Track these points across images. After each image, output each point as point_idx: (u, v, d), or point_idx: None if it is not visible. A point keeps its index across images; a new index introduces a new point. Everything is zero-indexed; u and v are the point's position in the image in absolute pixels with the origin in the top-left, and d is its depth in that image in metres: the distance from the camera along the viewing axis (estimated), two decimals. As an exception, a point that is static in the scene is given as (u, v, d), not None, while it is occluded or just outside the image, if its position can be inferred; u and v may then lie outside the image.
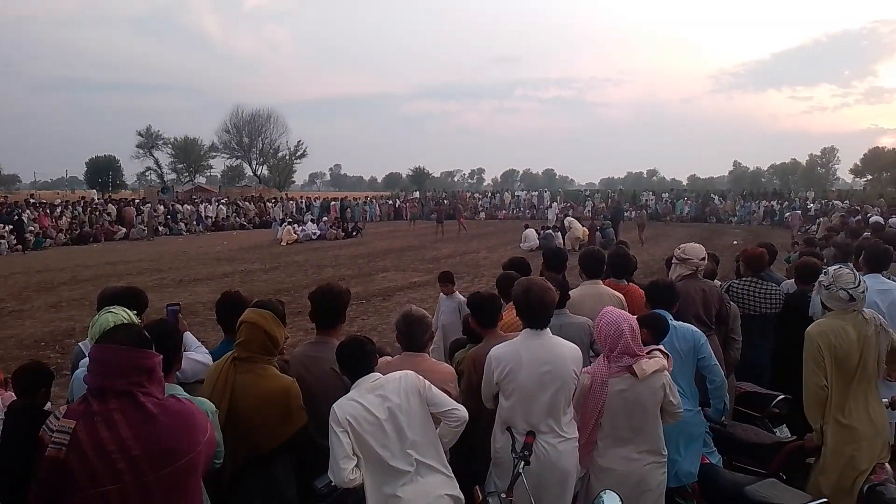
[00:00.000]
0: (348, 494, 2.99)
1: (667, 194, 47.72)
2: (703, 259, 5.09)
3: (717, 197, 45.45)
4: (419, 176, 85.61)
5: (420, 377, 3.18)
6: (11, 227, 24.34)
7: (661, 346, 3.76)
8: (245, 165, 72.61)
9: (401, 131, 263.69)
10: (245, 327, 3.22)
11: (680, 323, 4.20)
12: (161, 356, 2.35)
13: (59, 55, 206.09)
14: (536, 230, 23.84)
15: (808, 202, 40.24)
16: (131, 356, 2.22)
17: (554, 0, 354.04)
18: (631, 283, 5.22)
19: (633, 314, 3.93)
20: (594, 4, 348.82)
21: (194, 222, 33.52)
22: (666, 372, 3.59)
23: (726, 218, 39.46)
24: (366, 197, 50.61)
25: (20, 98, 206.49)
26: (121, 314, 3.02)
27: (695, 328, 4.21)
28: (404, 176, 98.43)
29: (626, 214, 31.35)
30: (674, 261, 5.20)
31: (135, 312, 3.35)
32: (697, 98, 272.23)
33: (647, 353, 3.58)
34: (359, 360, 3.17)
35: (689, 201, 43.69)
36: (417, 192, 54.02)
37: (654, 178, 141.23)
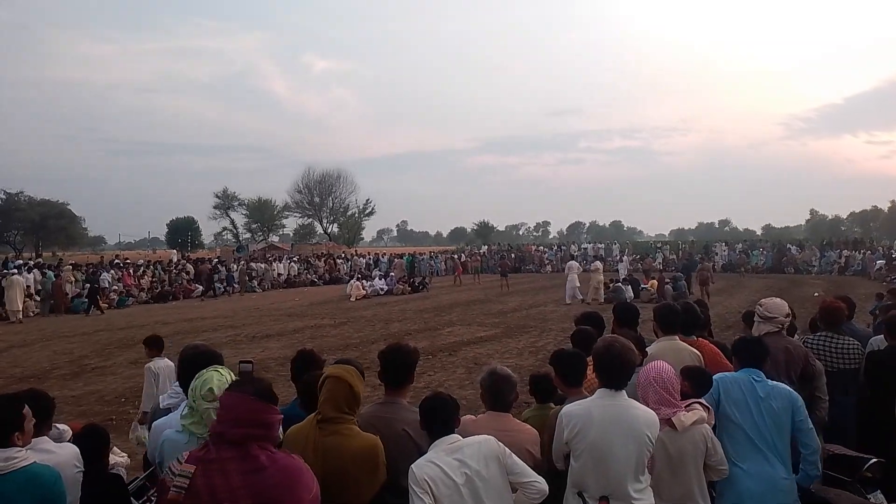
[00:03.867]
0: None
1: (740, 245, 46.22)
2: (788, 316, 4.87)
3: (793, 246, 43.69)
4: (484, 229, 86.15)
5: (500, 444, 3.12)
6: (97, 286, 25.66)
7: (701, 400, 3.69)
8: (316, 223, 74.92)
9: (465, 186, 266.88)
10: (330, 382, 3.18)
11: (775, 382, 3.98)
12: (282, 416, 2.47)
13: (139, 121, 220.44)
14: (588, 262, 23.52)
15: (891, 251, 38.17)
16: (255, 408, 2.34)
17: (613, 51, 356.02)
18: (700, 339, 5.02)
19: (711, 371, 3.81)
20: (654, 54, 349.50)
21: (268, 280, 34.51)
22: (706, 425, 3.53)
23: (804, 268, 37.80)
24: (431, 252, 51.06)
25: (104, 162, 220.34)
26: (224, 372, 3.10)
27: (790, 388, 3.99)
28: (469, 230, 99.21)
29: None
30: (756, 318, 4.97)
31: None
32: (767, 144, 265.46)
33: (687, 405, 3.54)
34: (441, 418, 3.14)
35: (764, 251, 42.19)
36: (486, 247, 54.13)
37: (727, 227, 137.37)
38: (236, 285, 31.77)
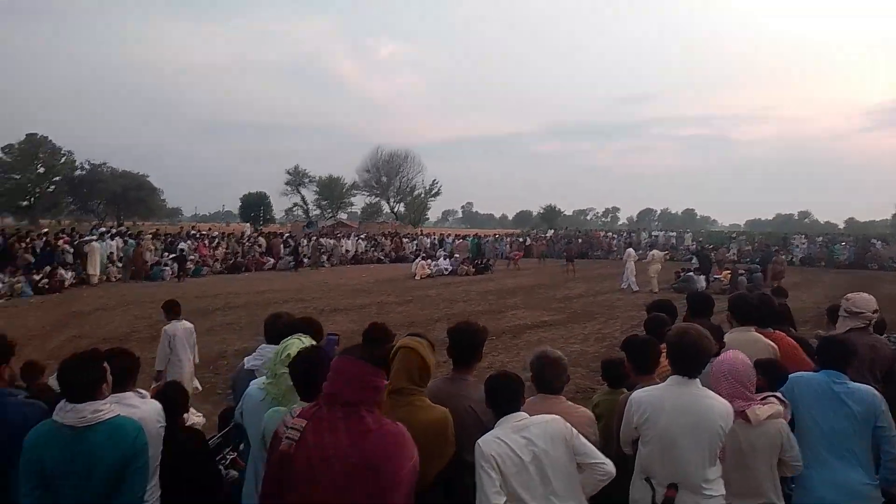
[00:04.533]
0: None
1: (821, 238, 44.16)
2: (875, 311, 4.62)
3: (878, 241, 41.42)
4: (550, 213, 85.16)
5: (567, 424, 3.10)
6: (174, 256, 26.74)
7: (777, 394, 3.60)
8: (383, 202, 75.77)
9: (532, 170, 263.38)
10: (402, 353, 3.23)
11: (858, 385, 3.78)
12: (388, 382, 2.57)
13: (215, 101, 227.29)
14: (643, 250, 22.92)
15: None
16: (366, 372, 2.43)
17: (687, 37, 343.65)
18: (777, 332, 4.82)
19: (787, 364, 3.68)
20: (729, 40, 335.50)
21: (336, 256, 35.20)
22: (783, 420, 3.44)
23: (889, 265, 35.82)
24: (496, 234, 50.89)
25: (183, 139, 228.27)
26: (304, 340, 3.22)
27: (875, 391, 3.79)
28: (535, 214, 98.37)
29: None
30: (841, 313, 4.74)
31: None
32: (851, 135, 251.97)
33: (762, 399, 3.46)
34: (507, 396, 3.14)
35: (846, 245, 40.19)
36: (552, 231, 53.59)
37: (807, 220, 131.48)
38: (306, 260, 32.51)
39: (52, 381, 4.86)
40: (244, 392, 3.48)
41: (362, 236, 41.72)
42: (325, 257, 34.18)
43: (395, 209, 73.84)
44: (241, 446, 4.45)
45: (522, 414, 3.14)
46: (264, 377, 3.42)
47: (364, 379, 2.44)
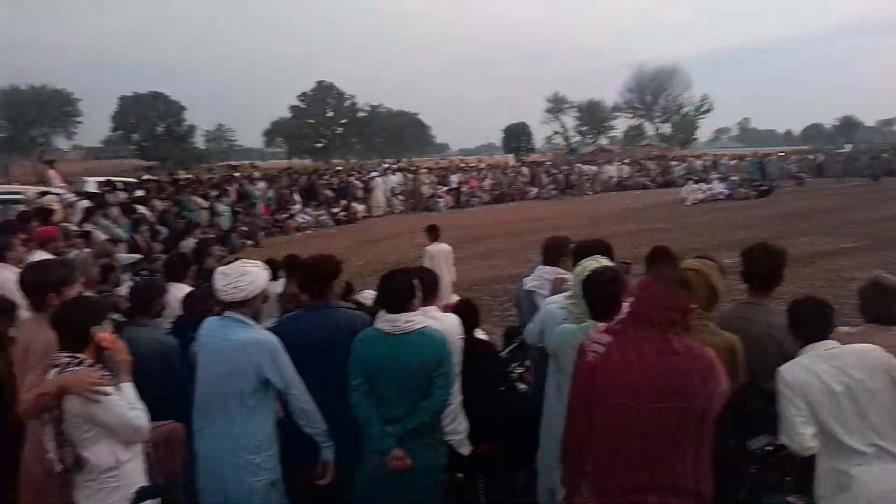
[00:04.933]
0: (787, 462, 2.80)
1: None
2: None
3: None
4: (847, 126, 73.94)
5: (892, 356, 2.74)
6: (447, 188, 28.57)
7: None
8: (647, 124, 72.22)
9: (821, 77, 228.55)
10: (689, 276, 3.13)
11: None
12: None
13: (470, 34, 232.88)
14: None
15: None
16: (674, 294, 2.46)
17: None
18: None
19: None
20: None
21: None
22: None
23: None
24: (780, 153, 45.68)
25: (446, 75, 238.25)
26: (603, 262, 3.31)
27: None
28: (828, 126, 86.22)
29: None
30: None
31: None
32: None
33: None
34: (814, 323, 2.89)
35: None
36: (850, 146, 46.62)
37: None
38: (569, 187, 32.57)
39: (361, 296, 5.56)
40: (535, 312, 3.64)
41: (626, 161, 40.38)
42: (588, 184, 33.86)
43: (661, 131, 69.96)
44: (527, 362, 4.70)
45: (832, 342, 2.88)
46: (563, 297, 3.53)
47: (671, 300, 2.44)
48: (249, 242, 17.52)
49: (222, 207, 18.18)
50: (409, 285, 3.31)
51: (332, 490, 3.45)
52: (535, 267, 4.46)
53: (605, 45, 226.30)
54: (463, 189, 29.20)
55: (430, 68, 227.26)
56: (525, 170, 35.10)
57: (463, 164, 36.29)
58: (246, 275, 3.27)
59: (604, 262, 3.34)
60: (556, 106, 71.94)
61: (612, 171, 36.75)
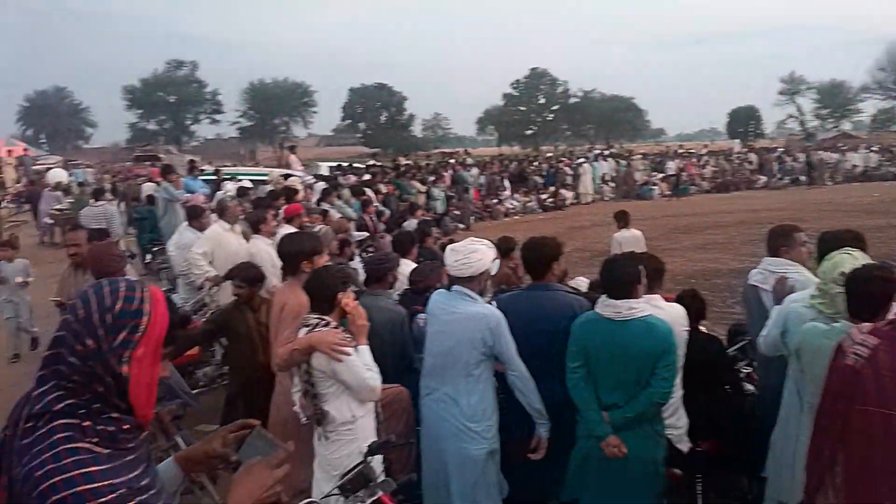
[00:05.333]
0: None
1: None
2: None
3: None
4: None
5: None
6: (662, 175, 27.27)
7: None
8: (901, 106, 62.88)
9: None
10: None
11: None
12: None
13: (692, 9, 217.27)
14: None
15: None
16: None
17: None
18: None
19: None
20: None
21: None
22: None
23: None
24: None
25: (658, 56, 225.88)
26: (857, 255, 2.99)
27: None
28: None
29: None
30: None
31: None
32: None
33: None
34: None
35: None
36: None
37: None
38: (802, 177, 29.50)
39: (574, 283, 5.53)
40: (760, 308, 3.36)
41: (874, 148, 35.52)
42: (826, 174, 30.36)
43: (920, 114, 60.52)
44: (754, 362, 4.36)
45: None
46: (806, 295, 3.22)
47: None
48: (461, 226, 18.22)
49: (437, 192, 19.08)
50: (634, 271, 3.23)
51: (542, 469, 3.49)
52: (763, 258, 4.09)
53: (851, 17, 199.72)
54: (682, 177, 27.67)
55: (647, 49, 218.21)
56: (753, 156, 32.39)
57: (681, 150, 34.38)
58: (475, 252, 3.41)
59: (857, 255, 2.98)
60: (792, 87, 65.40)
61: (856, 159, 32.56)
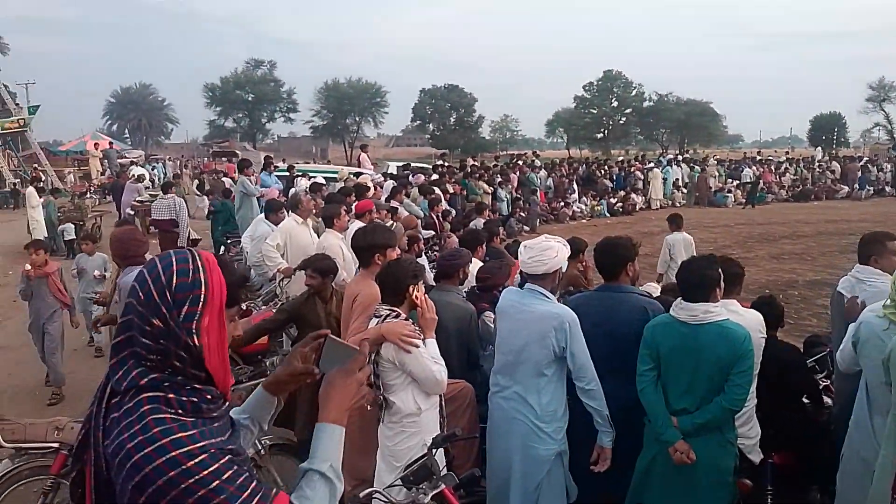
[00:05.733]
0: None
1: None
2: None
3: None
4: None
5: None
6: (738, 181, 26.37)
7: None
8: None
9: None
10: None
11: None
12: None
13: (776, 10, 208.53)
14: None
15: None
16: None
17: None
18: None
19: None
20: None
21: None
22: None
23: None
24: None
25: (746, 58, 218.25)
26: None
27: None
28: None
29: None
30: None
31: None
32: None
33: None
34: None
35: None
36: None
37: None
38: (888, 188, 28.01)
39: (645, 288, 5.42)
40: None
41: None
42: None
43: None
44: (833, 376, 4.19)
45: None
46: (881, 305, 3.09)
47: None
48: (526, 228, 18.09)
49: (503, 193, 19.01)
50: (713, 273, 3.14)
51: (607, 473, 3.43)
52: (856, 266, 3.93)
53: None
54: (758, 184, 26.66)
55: (728, 52, 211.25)
56: (835, 165, 30.94)
57: (759, 157, 33.12)
58: (550, 249, 3.38)
59: None
60: (881, 93, 62.03)
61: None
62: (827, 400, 3.99)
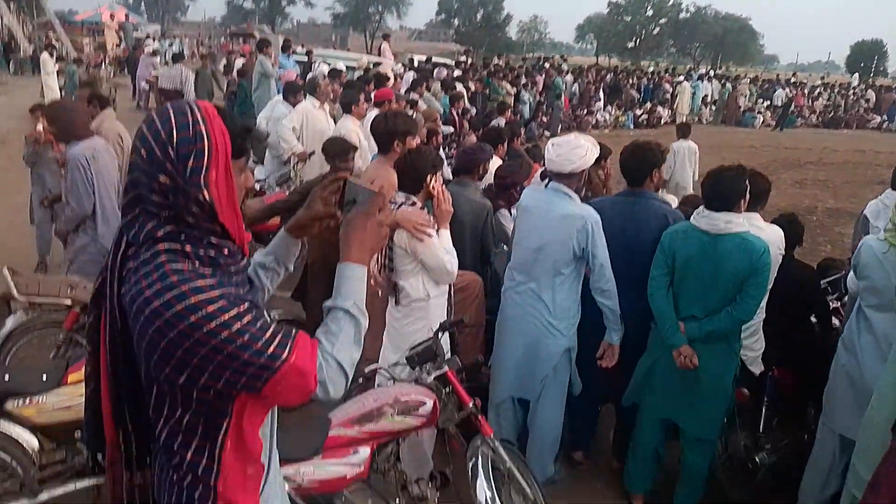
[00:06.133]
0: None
1: None
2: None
3: None
4: None
5: None
6: (769, 103, 25.57)
7: None
8: None
9: None
10: None
11: None
12: None
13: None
14: None
15: None
16: None
17: None
18: None
19: None
20: None
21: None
22: None
23: None
24: None
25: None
26: None
27: None
28: None
29: None
30: None
31: None
32: None
33: None
34: None
35: None
36: None
37: None
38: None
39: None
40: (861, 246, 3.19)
41: None
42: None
43: None
44: (846, 297, 4.18)
45: None
46: (882, 228, 3.06)
47: None
48: (547, 133, 17.74)
49: (527, 96, 18.51)
50: (740, 184, 3.06)
51: (610, 374, 3.50)
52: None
53: None
54: (789, 107, 25.86)
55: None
56: (871, 93, 29.88)
57: (793, 79, 32.01)
58: (578, 147, 3.28)
59: None
60: (929, 22, 59.05)
61: None
62: (836, 322, 3.99)
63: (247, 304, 1.32)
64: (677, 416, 3.35)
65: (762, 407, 3.65)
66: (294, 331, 1.37)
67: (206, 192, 1.33)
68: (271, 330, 1.32)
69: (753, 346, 3.48)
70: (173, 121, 1.33)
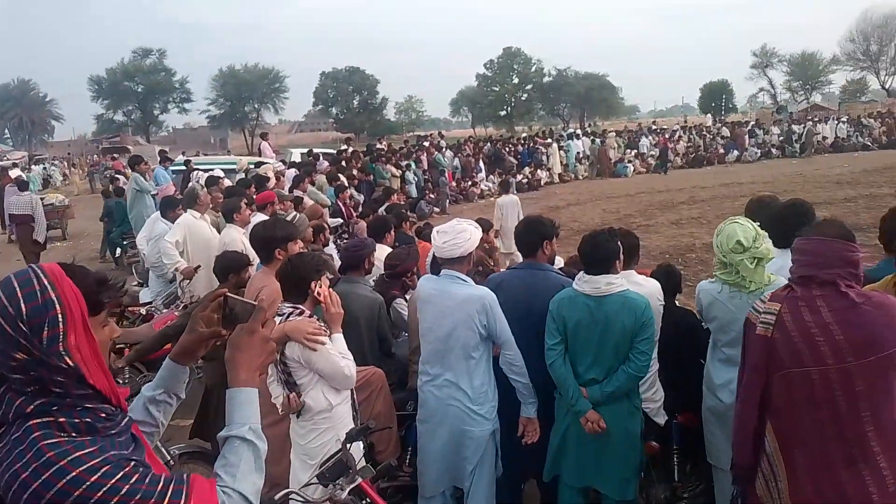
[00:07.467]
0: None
1: None
2: None
3: None
4: None
5: None
6: (636, 151, 27.37)
7: None
8: (870, 77, 63.69)
9: None
10: None
11: None
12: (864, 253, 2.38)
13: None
14: None
15: None
16: (836, 248, 2.28)
17: None
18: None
19: None
20: None
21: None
22: None
23: None
24: None
25: (642, 30, 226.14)
26: (745, 224, 3.11)
27: None
28: None
29: None
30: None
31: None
32: None
33: None
34: None
35: None
36: None
37: None
38: (774, 150, 29.82)
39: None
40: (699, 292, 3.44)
41: (843, 119, 36.01)
42: (797, 145, 30.72)
43: (888, 85, 61.26)
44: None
45: None
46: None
47: (839, 255, 2.27)
48: (436, 209, 18.14)
49: (411, 176, 18.94)
50: (613, 247, 3.22)
51: (528, 448, 3.49)
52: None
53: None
54: (652, 153, 27.80)
55: (623, 25, 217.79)
56: (725, 130, 32.64)
57: (654, 126, 34.49)
58: (463, 232, 3.37)
59: (744, 223, 3.13)
60: (764, 60, 65.79)
61: (825, 130, 33.02)
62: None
63: (132, 464, 1.26)
64: (594, 481, 3.37)
65: (673, 455, 3.74)
66: (186, 476, 1.32)
67: (68, 359, 1.27)
68: (162, 482, 1.27)
69: (653, 396, 3.59)
70: (19, 293, 1.27)
